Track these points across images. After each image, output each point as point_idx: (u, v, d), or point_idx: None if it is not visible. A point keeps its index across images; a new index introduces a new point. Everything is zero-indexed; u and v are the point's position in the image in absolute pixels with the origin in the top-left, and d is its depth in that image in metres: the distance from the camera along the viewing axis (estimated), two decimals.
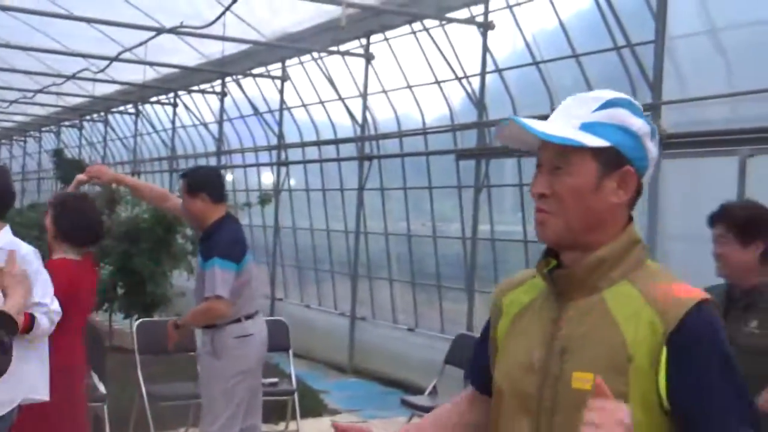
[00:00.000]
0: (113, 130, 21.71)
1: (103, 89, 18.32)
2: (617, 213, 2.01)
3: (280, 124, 14.13)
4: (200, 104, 16.98)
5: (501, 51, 9.63)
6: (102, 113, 21.43)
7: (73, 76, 15.74)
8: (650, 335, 1.87)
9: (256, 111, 14.76)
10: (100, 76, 15.49)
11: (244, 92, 15.03)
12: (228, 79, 15.35)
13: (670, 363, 1.87)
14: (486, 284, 9.72)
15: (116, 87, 17.95)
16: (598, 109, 2.01)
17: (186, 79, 16.13)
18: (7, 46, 13.97)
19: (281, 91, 13.86)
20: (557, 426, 1.94)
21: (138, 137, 20.28)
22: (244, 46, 13.23)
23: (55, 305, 4.24)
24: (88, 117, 22.50)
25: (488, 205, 9.70)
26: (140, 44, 12.88)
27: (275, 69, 13.82)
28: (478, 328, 9.01)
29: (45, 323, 4.15)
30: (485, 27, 9.47)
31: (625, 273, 1.98)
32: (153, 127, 19.47)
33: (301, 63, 13.02)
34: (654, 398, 1.87)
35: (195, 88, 16.41)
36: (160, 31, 11.74)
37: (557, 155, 1.99)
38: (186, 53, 14.06)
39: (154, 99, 18.26)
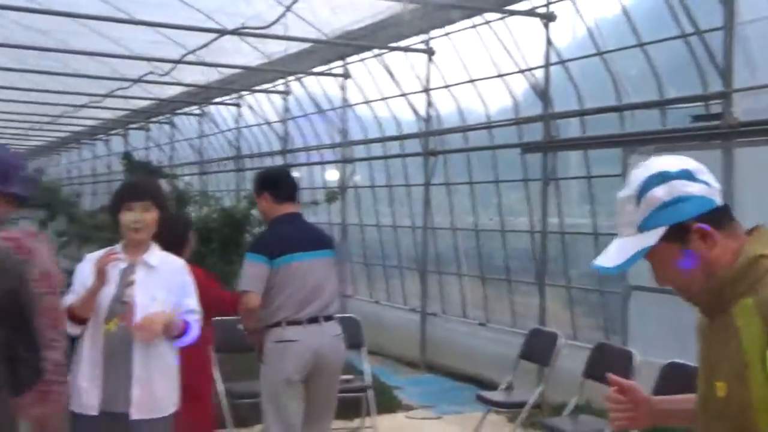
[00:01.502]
0: (179, 131, 21.97)
1: (168, 92, 18.53)
2: (720, 255, 2.14)
3: (343, 121, 14.13)
4: (264, 104, 17.07)
5: (564, 42, 9.52)
6: (168, 115, 21.69)
7: (139, 80, 16.01)
8: (759, 339, 2.00)
9: (319, 109, 14.81)
10: (164, 78, 15.73)
11: (306, 91, 15.08)
12: (290, 78, 15.38)
13: None
14: (556, 278, 9.65)
15: (181, 89, 18.15)
16: (637, 205, 2.17)
17: (249, 79, 16.19)
18: (75, 51, 14.26)
19: (343, 89, 13.84)
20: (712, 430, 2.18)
21: (203, 138, 20.50)
22: (305, 45, 13.24)
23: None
24: (154, 119, 22.79)
25: (556, 198, 9.60)
26: (203, 46, 13.04)
27: (337, 67, 13.81)
28: (550, 323, 9.01)
29: (197, 329, 4.36)
30: (547, 18, 9.36)
31: (750, 287, 2.09)
32: (218, 127, 19.65)
33: (363, 60, 13.02)
34: None
35: (258, 87, 16.50)
36: (222, 32, 11.85)
37: (649, 259, 2.20)
38: (248, 54, 14.13)
39: (218, 100, 18.41)
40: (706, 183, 2.17)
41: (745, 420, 2.02)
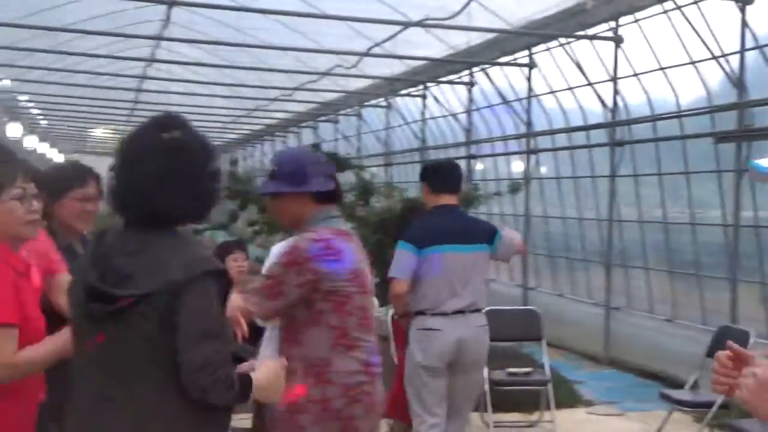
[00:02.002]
0: (366, 123, 22.32)
1: (355, 84, 18.87)
2: None
3: (528, 112, 13.93)
4: (449, 95, 17.12)
5: (761, 26, 9.04)
6: (355, 107, 22.08)
7: (327, 73, 16.40)
8: None
9: (504, 100, 14.69)
10: (352, 71, 16.03)
11: (491, 81, 14.99)
12: (475, 69, 15.30)
13: None
14: (750, 273, 9.21)
15: (368, 81, 18.47)
16: None
17: (434, 70, 16.25)
18: (266, 46, 14.76)
19: (529, 79, 13.66)
20: None
21: (389, 130, 20.73)
22: (490, 36, 13.17)
23: None
24: (342, 112, 23.28)
25: (751, 190, 9.15)
26: (389, 38, 13.21)
27: (522, 57, 13.64)
28: (743, 320, 8.61)
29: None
30: (743, 2, 8.91)
31: None
32: (404, 119, 19.80)
33: (548, 49, 12.82)
34: None
35: (443, 79, 16.52)
36: (407, 24, 11.96)
37: None
38: (433, 45, 14.21)
39: (404, 92, 18.55)
40: None
41: None
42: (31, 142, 30.80)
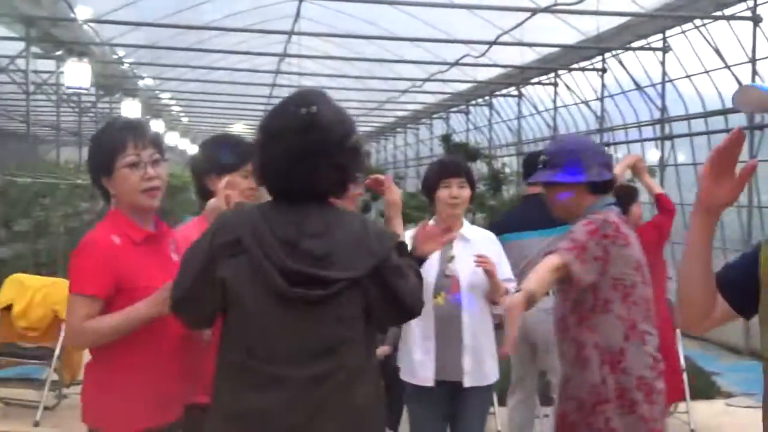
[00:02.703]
0: (497, 113, 22.22)
1: (485, 74, 18.81)
2: None
3: (663, 97, 13.64)
4: (581, 82, 16.90)
5: None
6: (486, 97, 21.98)
7: (457, 63, 16.39)
8: None
9: (637, 86, 14.40)
10: (481, 60, 15.97)
11: (624, 67, 14.73)
12: (607, 54, 15.09)
13: None
14: None
15: (498, 71, 18.38)
16: None
17: (565, 57, 16.11)
18: (395, 38, 14.86)
19: (663, 63, 13.36)
20: None
21: (521, 119, 20.56)
22: (621, 20, 12.95)
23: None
24: (473, 101, 23.22)
25: None
26: (517, 26, 13.11)
27: (656, 41, 13.37)
28: None
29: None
30: None
31: None
32: (535, 108, 19.66)
33: (683, 32, 12.50)
34: None
35: (575, 66, 16.35)
36: (534, 11, 11.84)
37: None
38: (563, 31, 14.06)
39: (535, 80, 18.41)
40: None
41: None
42: (173, 139, 31.87)
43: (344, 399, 2.64)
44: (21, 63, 13.70)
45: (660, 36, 13.10)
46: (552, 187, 3.62)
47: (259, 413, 2.64)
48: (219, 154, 3.75)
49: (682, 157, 13.79)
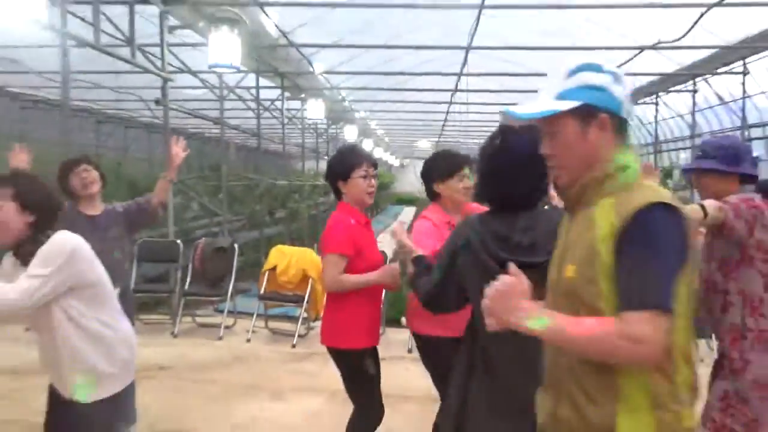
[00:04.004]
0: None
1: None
2: (603, 150, 1.86)
3: (743, 110, 12.05)
4: (677, 101, 15.47)
5: None
6: None
7: None
8: (611, 235, 1.76)
9: (722, 101, 13.24)
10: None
11: (711, 87, 13.52)
12: (698, 78, 13.41)
13: (615, 251, 1.74)
14: None
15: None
16: (567, 78, 1.88)
17: (666, 83, 14.37)
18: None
19: (743, 84, 11.72)
20: (559, 305, 1.86)
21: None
22: (710, 51, 11.32)
23: None
24: None
25: None
26: (627, 62, 11.19)
27: (737, 66, 11.71)
28: None
29: None
30: None
31: (613, 191, 1.83)
32: (641, 121, 17.83)
33: (759, 59, 11.24)
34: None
35: (672, 89, 14.70)
36: (643, 48, 10.34)
37: (548, 124, 1.90)
38: (662, 62, 12.22)
39: (641, 101, 16.04)
40: (625, 94, 1.88)
41: (587, 295, 1.78)
42: (378, 153, 32.26)
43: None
44: (278, 103, 14.28)
45: (741, 62, 11.86)
46: (706, 175, 3.25)
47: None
48: (440, 163, 3.66)
49: (757, 154, 12.66)
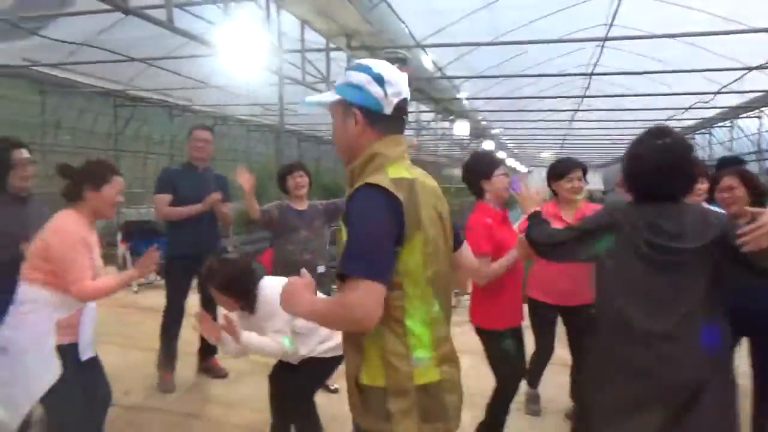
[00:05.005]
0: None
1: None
2: (360, 139, 1.73)
3: None
4: None
5: None
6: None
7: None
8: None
9: None
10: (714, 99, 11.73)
11: None
12: None
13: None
14: None
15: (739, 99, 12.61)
16: (345, 74, 1.78)
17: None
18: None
19: None
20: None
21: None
22: None
23: None
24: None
25: None
26: (735, 81, 10.44)
27: None
28: None
29: None
30: None
31: (368, 175, 1.68)
32: (743, 131, 15.68)
33: None
34: None
35: None
36: (750, 68, 9.44)
37: (330, 111, 1.79)
38: (764, 79, 10.30)
39: (743, 115, 14.13)
40: (385, 93, 1.71)
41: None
42: (508, 161, 31.28)
43: (690, 343, 2.09)
44: (433, 124, 14.23)
45: None
46: None
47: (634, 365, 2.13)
48: (555, 165, 3.72)
49: None
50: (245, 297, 2.87)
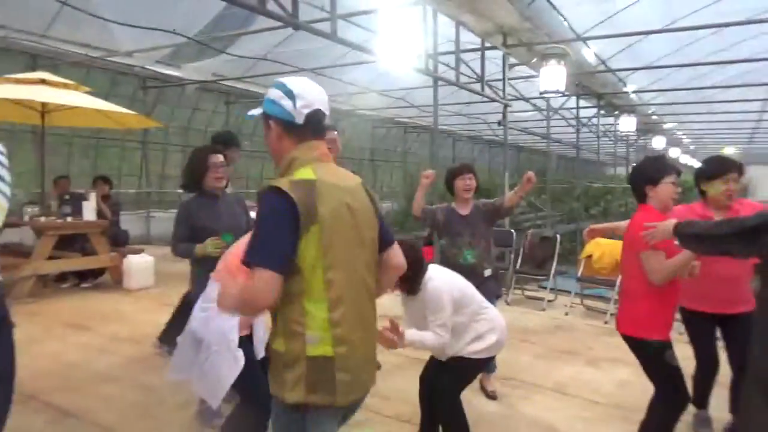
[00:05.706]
0: None
1: None
2: (279, 145, 1.92)
3: None
4: None
5: None
6: None
7: None
8: None
9: None
10: None
11: None
12: None
13: None
14: None
15: None
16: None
17: None
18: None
19: None
20: None
21: None
22: None
23: None
24: None
25: None
26: None
27: None
28: None
29: None
30: None
31: (286, 176, 1.85)
32: None
33: None
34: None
35: None
36: None
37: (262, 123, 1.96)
38: None
39: None
40: (295, 105, 1.88)
41: None
42: (673, 153, 28.36)
43: None
44: (594, 120, 13.41)
45: None
46: None
47: None
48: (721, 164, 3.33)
49: None
50: (414, 281, 2.92)
